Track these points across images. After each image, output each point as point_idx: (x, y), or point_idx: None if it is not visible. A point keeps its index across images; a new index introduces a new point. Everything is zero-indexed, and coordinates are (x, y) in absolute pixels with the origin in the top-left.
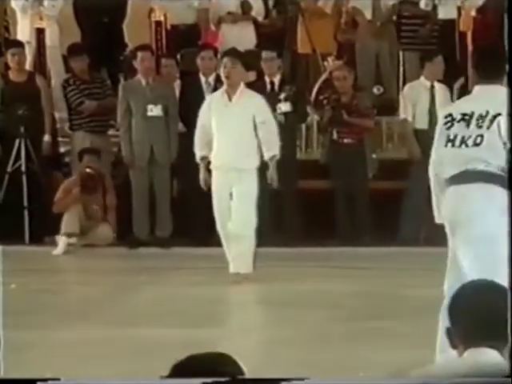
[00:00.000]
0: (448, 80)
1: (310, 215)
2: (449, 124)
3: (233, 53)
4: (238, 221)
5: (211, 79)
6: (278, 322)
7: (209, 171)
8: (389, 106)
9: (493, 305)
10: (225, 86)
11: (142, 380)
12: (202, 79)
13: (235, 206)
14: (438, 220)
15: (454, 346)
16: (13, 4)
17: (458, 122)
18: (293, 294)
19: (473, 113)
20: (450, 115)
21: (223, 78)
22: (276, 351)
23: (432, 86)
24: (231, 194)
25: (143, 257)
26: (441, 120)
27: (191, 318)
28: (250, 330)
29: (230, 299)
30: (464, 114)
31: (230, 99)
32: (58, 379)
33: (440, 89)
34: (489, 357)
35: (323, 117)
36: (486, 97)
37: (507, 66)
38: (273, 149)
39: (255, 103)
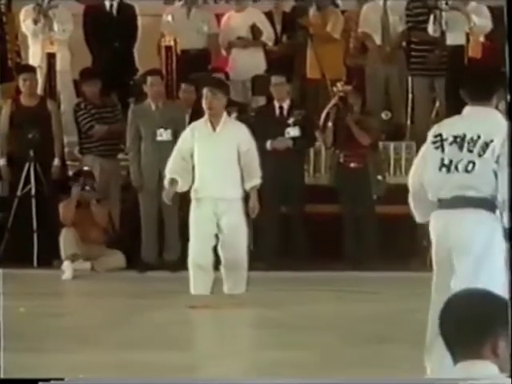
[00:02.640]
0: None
1: (317, 239)
2: (438, 144)
3: (212, 82)
4: (232, 252)
5: None
6: (287, 344)
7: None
8: (397, 132)
9: (477, 311)
10: (207, 116)
11: (141, 380)
12: None
13: (227, 237)
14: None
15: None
16: (23, 29)
17: (450, 144)
18: (301, 317)
19: (465, 135)
20: (440, 135)
21: (205, 109)
22: (286, 373)
23: None
24: (217, 224)
25: (152, 280)
26: (429, 138)
27: (199, 341)
28: (260, 353)
29: (238, 323)
30: (456, 137)
31: (214, 129)
32: (62, 379)
33: None
34: (481, 369)
35: (326, 138)
36: (478, 119)
37: (501, 84)
38: (254, 179)
39: (239, 133)
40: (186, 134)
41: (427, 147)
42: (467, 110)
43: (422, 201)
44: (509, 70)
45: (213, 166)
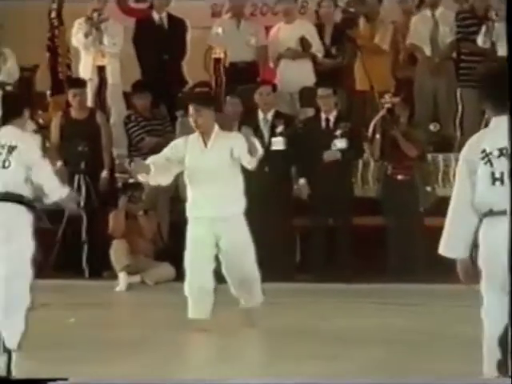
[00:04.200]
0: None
1: (365, 251)
2: (486, 160)
3: (196, 99)
4: (240, 273)
5: (269, 115)
6: (331, 356)
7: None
8: (446, 143)
9: None
10: (198, 132)
11: (144, 380)
12: (260, 115)
13: (231, 259)
14: (447, 252)
15: None
16: (75, 42)
17: (498, 157)
18: (345, 329)
19: (506, 147)
20: (484, 150)
21: (193, 127)
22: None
23: None
24: (217, 245)
25: None
26: (475, 155)
27: (248, 350)
28: (304, 363)
29: (282, 333)
30: (501, 149)
31: (205, 145)
32: (66, 379)
33: None
34: None
35: (374, 150)
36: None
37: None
38: (256, 152)
39: (231, 140)
40: (178, 142)
41: (475, 165)
42: (494, 121)
43: (462, 225)
44: (508, 69)
45: (206, 184)
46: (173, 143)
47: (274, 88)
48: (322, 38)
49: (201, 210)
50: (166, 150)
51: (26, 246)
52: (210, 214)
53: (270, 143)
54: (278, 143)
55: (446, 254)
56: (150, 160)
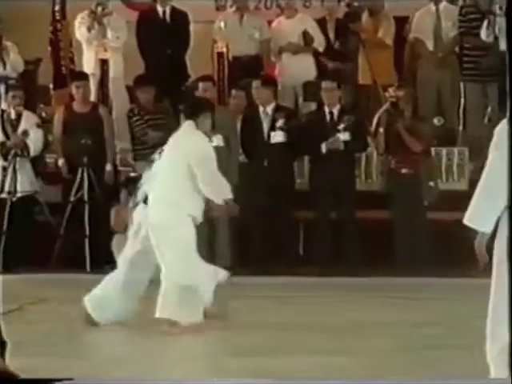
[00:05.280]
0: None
1: (369, 245)
2: None
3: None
4: None
5: (269, 109)
6: (339, 350)
7: None
8: (449, 137)
9: None
10: None
11: (151, 380)
12: (260, 109)
13: None
14: (475, 223)
15: None
16: (78, 36)
17: None
18: (352, 323)
19: None
20: None
21: None
22: (336, 377)
23: None
24: None
25: None
26: None
27: (260, 344)
28: (312, 357)
29: (289, 328)
30: None
31: None
32: (71, 379)
33: None
34: None
35: (378, 144)
36: None
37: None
38: None
39: None
40: None
41: None
42: None
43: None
44: (508, 69)
45: None
46: None
47: (272, 82)
48: (325, 32)
49: None
50: None
51: None
52: None
53: (269, 137)
54: (277, 136)
55: (474, 224)
56: None
